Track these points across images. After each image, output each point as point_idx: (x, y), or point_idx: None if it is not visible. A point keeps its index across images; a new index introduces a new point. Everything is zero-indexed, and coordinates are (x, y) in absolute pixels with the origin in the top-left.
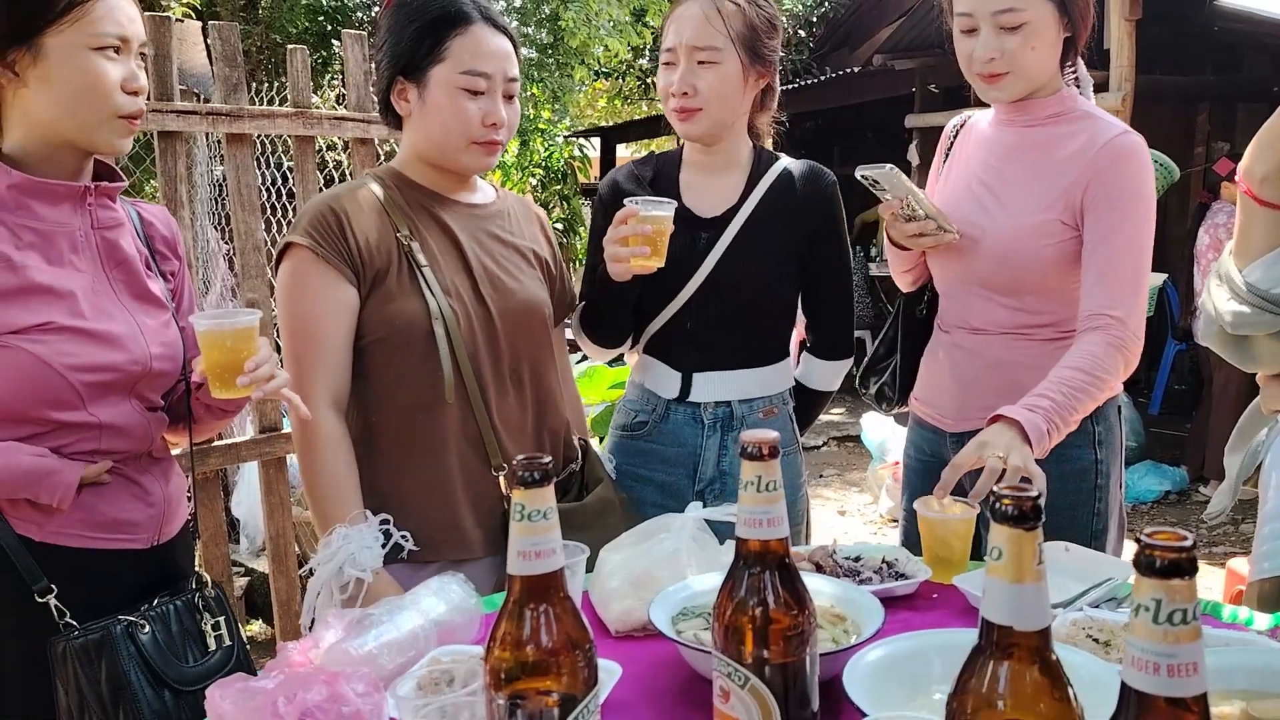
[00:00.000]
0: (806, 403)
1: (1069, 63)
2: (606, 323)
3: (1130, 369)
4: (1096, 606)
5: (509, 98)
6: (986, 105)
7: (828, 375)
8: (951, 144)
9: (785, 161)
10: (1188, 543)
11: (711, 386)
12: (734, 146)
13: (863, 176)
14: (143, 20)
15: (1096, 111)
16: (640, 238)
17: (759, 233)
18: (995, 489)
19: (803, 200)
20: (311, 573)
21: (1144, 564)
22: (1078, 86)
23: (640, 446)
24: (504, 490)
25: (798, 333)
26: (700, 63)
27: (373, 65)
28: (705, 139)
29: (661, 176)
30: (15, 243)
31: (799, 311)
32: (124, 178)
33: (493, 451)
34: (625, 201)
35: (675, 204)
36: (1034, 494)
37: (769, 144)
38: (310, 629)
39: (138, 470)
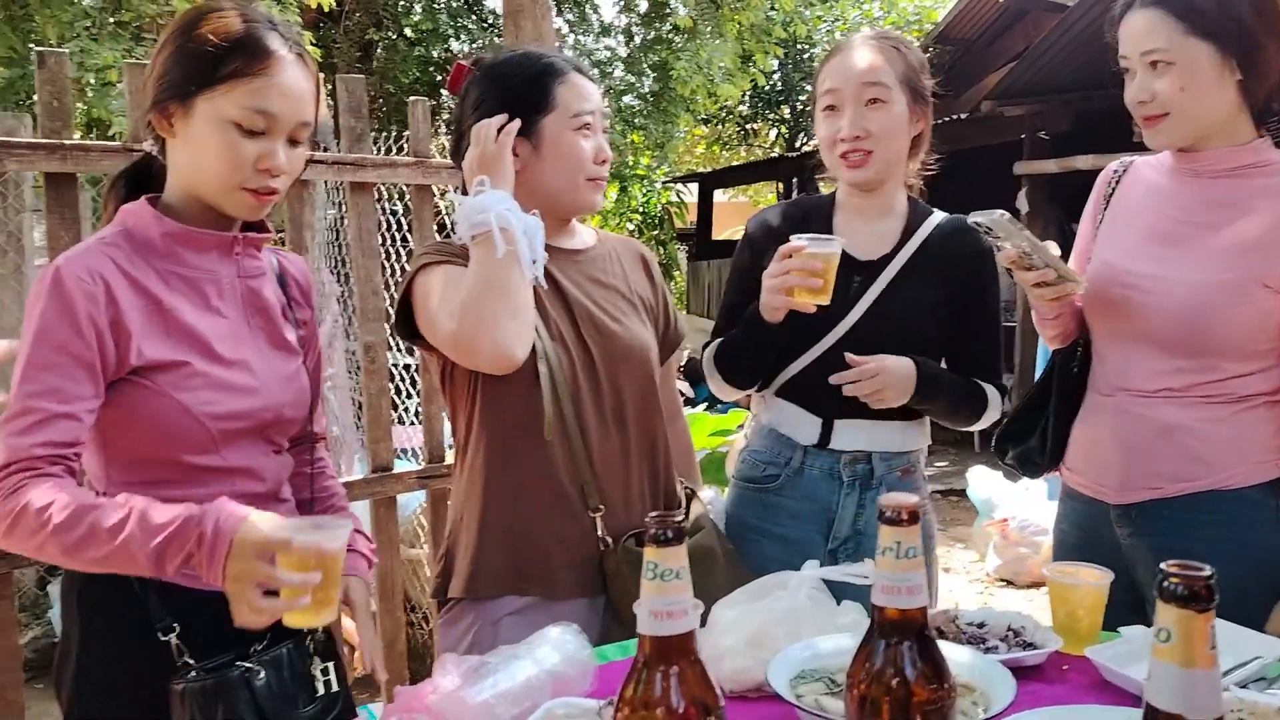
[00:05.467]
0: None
1: (1272, 115)
2: (746, 363)
3: None
4: (1244, 686)
5: (605, 131)
6: (1102, 152)
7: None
8: (1113, 190)
9: (939, 215)
10: None
11: (852, 435)
12: (892, 193)
13: (975, 223)
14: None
15: None
16: (807, 272)
17: (913, 282)
18: (1163, 566)
19: (956, 256)
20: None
21: None
22: None
23: (769, 500)
24: (599, 533)
25: None
26: (869, 102)
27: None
28: (873, 184)
29: (813, 219)
30: (165, 288)
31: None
32: (271, 228)
33: (590, 492)
34: (792, 238)
35: (843, 241)
36: (1207, 573)
37: (916, 192)
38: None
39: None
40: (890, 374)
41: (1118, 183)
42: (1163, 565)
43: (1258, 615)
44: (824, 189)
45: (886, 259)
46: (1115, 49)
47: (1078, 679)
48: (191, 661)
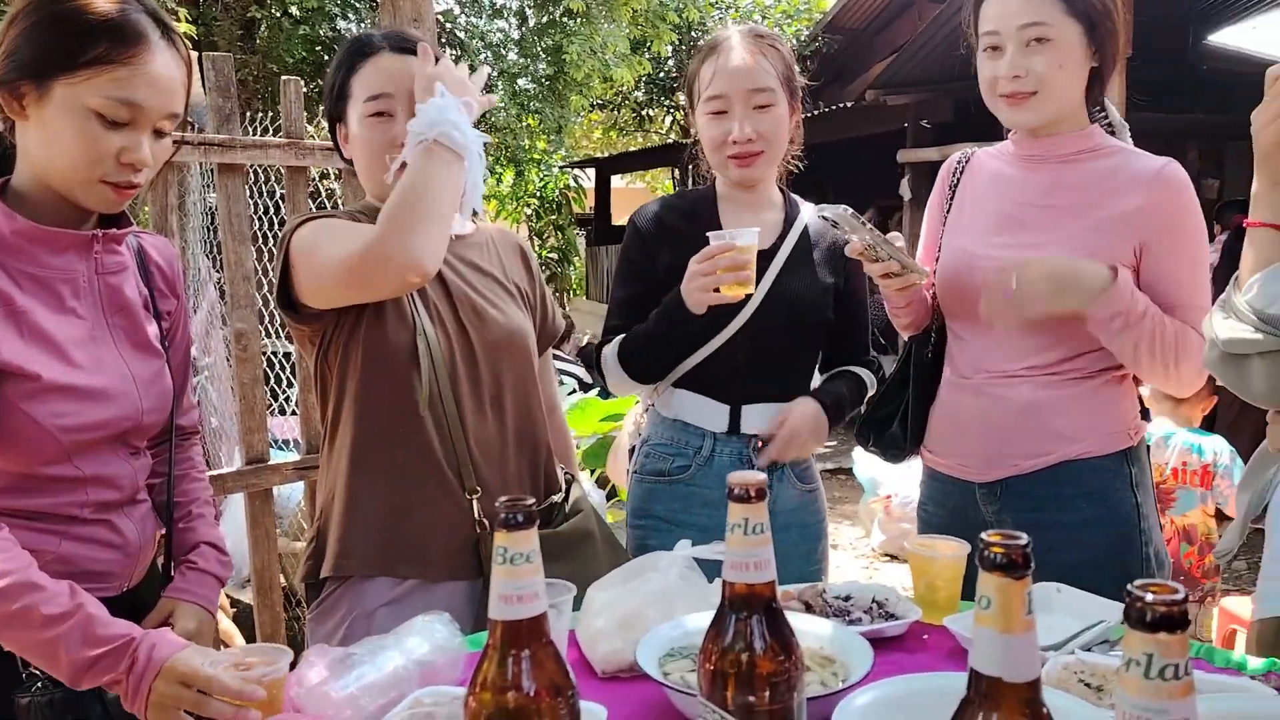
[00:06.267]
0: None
1: (1096, 104)
2: (659, 356)
3: (1194, 367)
4: (1089, 649)
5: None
6: (981, 141)
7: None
8: (958, 180)
9: (810, 205)
10: (1179, 595)
11: (759, 417)
12: (770, 185)
13: (822, 216)
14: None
15: (1126, 145)
16: (736, 267)
17: (801, 268)
18: (983, 536)
19: (834, 243)
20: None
21: (1134, 617)
22: (1111, 132)
23: (680, 491)
24: (477, 515)
25: None
26: (757, 107)
27: None
28: (758, 180)
29: (699, 212)
30: (16, 288)
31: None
32: (132, 221)
33: (467, 474)
34: (710, 236)
35: (758, 229)
36: (1023, 542)
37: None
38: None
39: (119, 516)
40: (801, 423)
41: (961, 173)
42: (982, 535)
43: (1112, 581)
44: None
45: (774, 249)
46: (970, 28)
47: (937, 647)
48: (38, 673)
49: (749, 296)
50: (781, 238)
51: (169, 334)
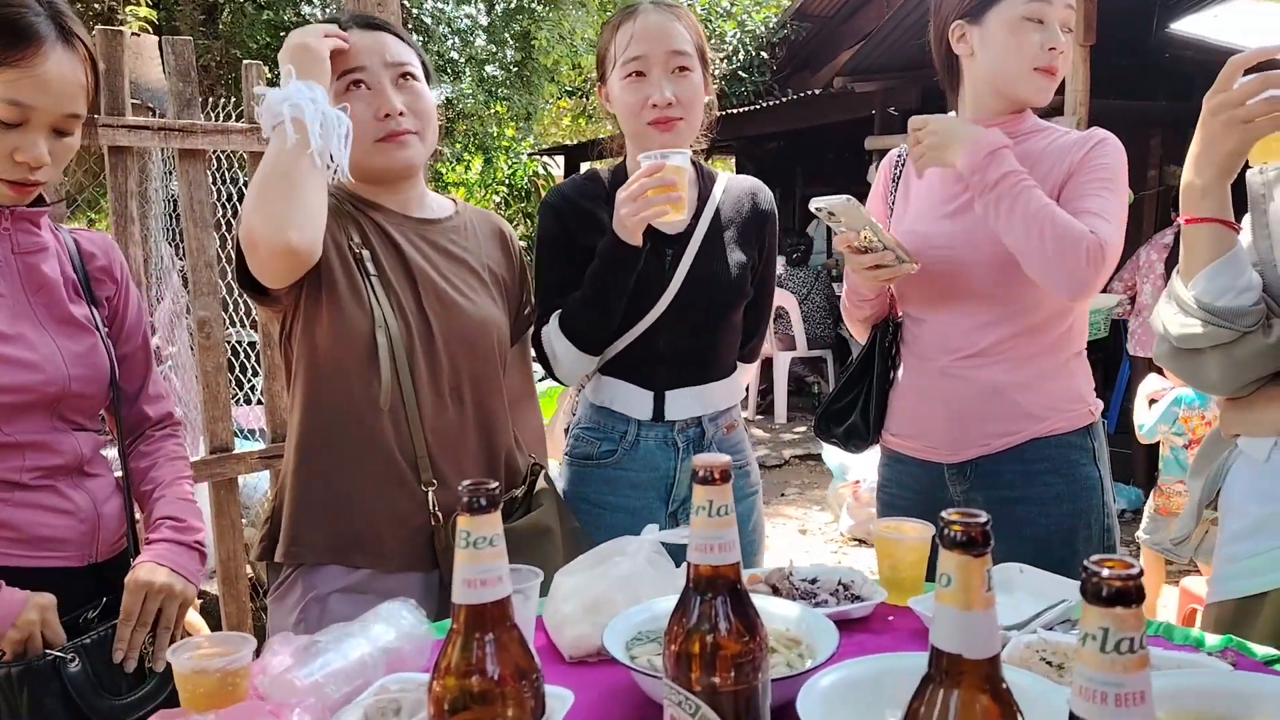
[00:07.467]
0: None
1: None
2: (603, 308)
3: (1082, 270)
4: (1050, 628)
5: (402, 79)
6: None
7: (745, 378)
8: (899, 172)
9: (727, 177)
10: (1134, 570)
11: (684, 403)
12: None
13: (817, 209)
14: (86, 82)
15: (1055, 126)
16: (666, 187)
17: (718, 247)
18: (943, 515)
19: (751, 215)
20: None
21: (1090, 592)
22: None
23: (608, 475)
24: (432, 507)
25: None
26: (675, 70)
27: None
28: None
29: (614, 190)
30: None
31: None
32: (46, 203)
33: (424, 466)
34: (641, 158)
35: (689, 152)
36: (983, 520)
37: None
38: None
39: (68, 485)
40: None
41: (902, 166)
42: (942, 514)
43: (1078, 554)
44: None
45: (689, 231)
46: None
47: (901, 628)
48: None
49: (674, 251)
50: (697, 215)
51: (111, 319)
